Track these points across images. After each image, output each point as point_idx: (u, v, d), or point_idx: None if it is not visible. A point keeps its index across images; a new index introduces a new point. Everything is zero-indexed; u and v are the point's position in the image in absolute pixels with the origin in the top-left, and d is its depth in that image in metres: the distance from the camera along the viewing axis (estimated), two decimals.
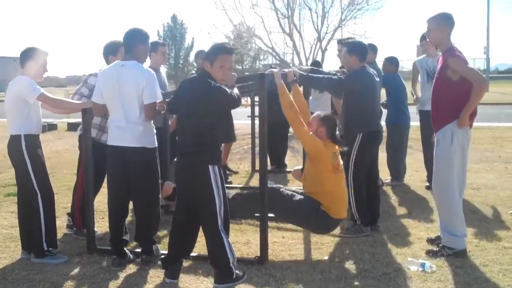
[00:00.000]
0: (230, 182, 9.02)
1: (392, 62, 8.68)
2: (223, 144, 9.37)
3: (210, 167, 4.57)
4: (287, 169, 9.58)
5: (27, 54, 5.29)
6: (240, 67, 52.25)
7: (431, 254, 5.23)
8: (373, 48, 8.17)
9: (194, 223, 4.77)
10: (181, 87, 4.84)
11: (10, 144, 5.25)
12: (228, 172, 9.57)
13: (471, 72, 5.11)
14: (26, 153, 5.16)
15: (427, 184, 7.93)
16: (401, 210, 6.97)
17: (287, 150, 10.28)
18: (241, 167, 10.24)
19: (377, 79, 6.24)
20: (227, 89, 4.59)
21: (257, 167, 10.02)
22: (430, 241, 5.60)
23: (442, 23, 5.24)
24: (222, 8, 19.17)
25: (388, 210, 6.96)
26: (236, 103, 4.73)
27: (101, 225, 6.42)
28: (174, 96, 4.89)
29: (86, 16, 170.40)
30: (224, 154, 9.54)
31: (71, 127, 17.05)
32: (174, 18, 61.32)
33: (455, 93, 5.08)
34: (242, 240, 5.80)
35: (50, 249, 5.31)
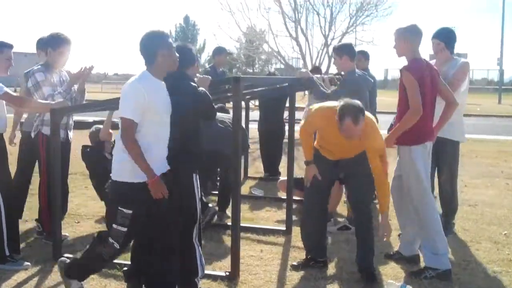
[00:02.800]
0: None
1: None
2: None
3: (194, 175, 4.32)
4: (281, 177, 9.31)
5: None
6: (251, 70, 52.06)
7: (413, 276, 4.91)
8: (364, 55, 7.89)
9: None
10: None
11: None
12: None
13: (410, 96, 4.85)
14: None
15: None
16: (393, 226, 6.61)
17: (281, 158, 9.96)
18: None
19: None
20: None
21: (250, 173, 9.79)
22: (389, 256, 5.44)
23: (404, 34, 5.00)
24: (229, 10, 18.98)
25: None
26: (215, 114, 4.54)
27: (75, 230, 6.17)
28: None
29: (97, 13, 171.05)
30: None
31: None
32: (186, 19, 61.24)
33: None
34: (218, 252, 5.51)
35: (12, 255, 5.05)
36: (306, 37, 19.55)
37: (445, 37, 5.96)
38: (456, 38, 6.08)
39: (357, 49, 7.58)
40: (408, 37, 4.98)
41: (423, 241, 5.12)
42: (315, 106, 5.09)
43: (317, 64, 18.67)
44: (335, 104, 4.71)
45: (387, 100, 20.93)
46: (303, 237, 5.29)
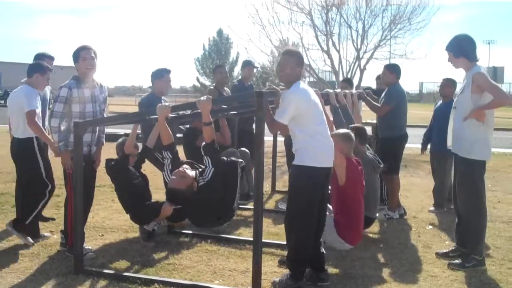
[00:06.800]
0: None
1: (453, 84, 8.22)
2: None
3: None
4: None
5: None
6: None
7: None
8: (391, 70, 7.76)
9: None
10: None
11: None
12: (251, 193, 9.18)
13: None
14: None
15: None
16: (420, 243, 6.44)
17: None
18: None
19: None
20: None
21: (277, 188, 9.66)
22: None
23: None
24: (260, 23, 18.95)
25: (405, 242, 6.46)
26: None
27: (99, 243, 6.14)
28: None
29: (134, 28, 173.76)
30: None
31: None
32: (220, 32, 61.42)
33: None
34: (241, 267, 5.40)
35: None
36: (338, 51, 19.37)
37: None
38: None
39: (389, 62, 7.51)
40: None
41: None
42: None
43: (349, 76, 18.47)
44: None
45: (422, 113, 20.61)
46: None
